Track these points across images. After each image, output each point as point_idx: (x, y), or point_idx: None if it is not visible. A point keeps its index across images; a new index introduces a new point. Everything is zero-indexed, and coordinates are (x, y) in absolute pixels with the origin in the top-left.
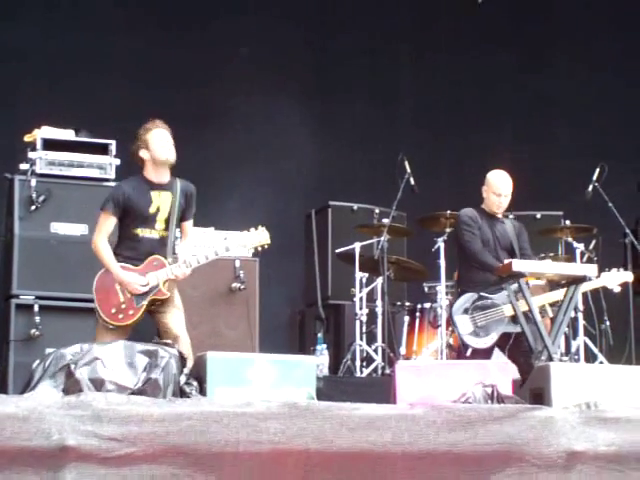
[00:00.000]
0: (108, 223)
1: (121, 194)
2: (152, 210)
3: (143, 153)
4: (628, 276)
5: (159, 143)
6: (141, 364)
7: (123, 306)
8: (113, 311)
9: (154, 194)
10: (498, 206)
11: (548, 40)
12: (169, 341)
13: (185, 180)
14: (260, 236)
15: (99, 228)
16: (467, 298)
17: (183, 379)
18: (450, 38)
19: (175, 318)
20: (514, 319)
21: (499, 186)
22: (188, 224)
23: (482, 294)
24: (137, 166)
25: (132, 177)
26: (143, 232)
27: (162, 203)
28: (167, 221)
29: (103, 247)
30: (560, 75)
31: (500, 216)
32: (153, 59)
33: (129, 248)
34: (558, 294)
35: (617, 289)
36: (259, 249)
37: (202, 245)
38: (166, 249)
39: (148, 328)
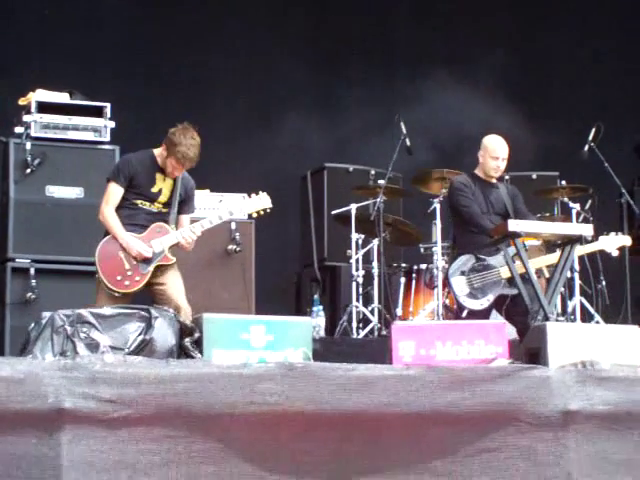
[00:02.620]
0: (115, 193)
1: (129, 168)
2: (154, 190)
3: (164, 149)
4: (626, 240)
5: (171, 168)
6: (136, 326)
7: (129, 273)
8: (119, 278)
9: (159, 177)
10: (496, 170)
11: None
12: (165, 307)
13: (188, 175)
14: (262, 201)
15: (107, 198)
16: (464, 260)
17: (188, 340)
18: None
19: (176, 289)
20: (510, 281)
21: (496, 149)
22: (185, 218)
23: (479, 256)
24: (129, 129)
25: (143, 152)
26: (143, 204)
27: (164, 187)
28: (167, 203)
29: (111, 215)
30: (556, 34)
31: (494, 181)
32: (148, 21)
33: (127, 216)
34: (554, 257)
35: (615, 253)
36: (261, 213)
37: (202, 207)
38: (166, 222)
39: (147, 301)
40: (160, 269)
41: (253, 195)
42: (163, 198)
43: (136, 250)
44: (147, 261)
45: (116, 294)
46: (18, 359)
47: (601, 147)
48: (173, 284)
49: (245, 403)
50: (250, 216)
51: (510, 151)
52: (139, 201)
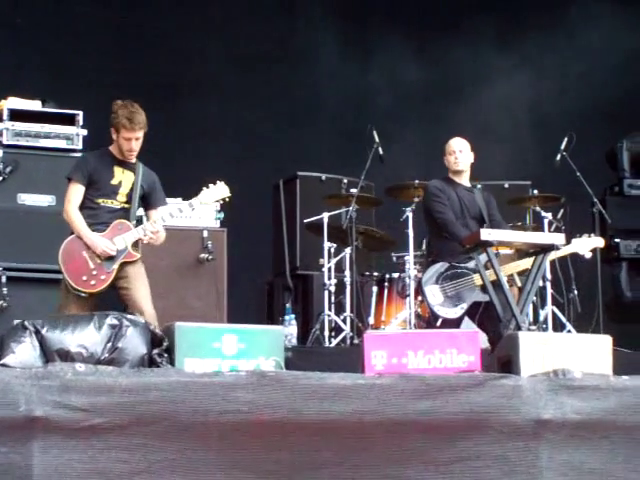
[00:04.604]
0: (77, 192)
1: (87, 165)
2: (114, 182)
3: (113, 133)
4: (599, 242)
5: (126, 144)
6: (107, 334)
7: (94, 272)
8: (84, 278)
9: (117, 169)
10: (456, 163)
11: (523, 6)
12: (136, 313)
13: (148, 168)
14: (220, 190)
15: (69, 197)
16: (437, 268)
17: (156, 351)
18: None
19: (140, 292)
20: (484, 288)
21: (450, 144)
22: (155, 213)
23: (453, 263)
24: (101, 137)
25: (100, 149)
26: (105, 202)
27: (124, 179)
28: (128, 196)
29: (75, 215)
30: (526, 42)
31: (468, 185)
32: (121, 29)
33: (90, 216)
34: (526, 263)
35: (588, 255)
36: (220, 202)
37: (176, 216)
38: (128, 218)
39: (115, 304)
40: (126, 271)
41: (211, 185)
42: (124, 190)
43: (101, 248)
44: (111, 259)
45: (82, 294)
46: None
47: (573, 156)
48: (138, 288)
49: (217, 412)
50: (222, 221)
51: (482, 157)
52: (101, 199)
